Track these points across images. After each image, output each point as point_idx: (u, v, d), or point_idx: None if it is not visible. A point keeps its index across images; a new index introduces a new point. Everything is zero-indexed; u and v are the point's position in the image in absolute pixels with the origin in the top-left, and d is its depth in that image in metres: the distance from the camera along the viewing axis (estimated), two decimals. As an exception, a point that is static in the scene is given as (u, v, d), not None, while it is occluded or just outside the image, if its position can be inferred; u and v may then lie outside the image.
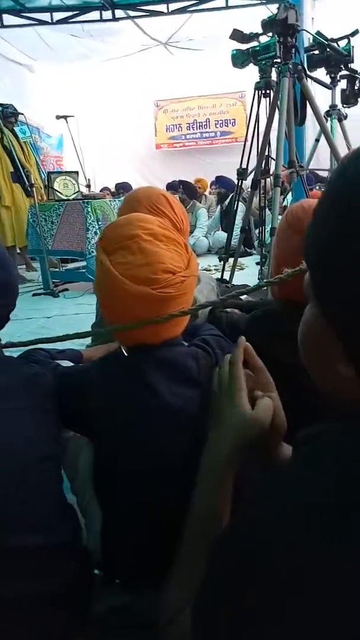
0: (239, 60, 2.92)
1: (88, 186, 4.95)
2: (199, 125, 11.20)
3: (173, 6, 6.32)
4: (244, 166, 3.25)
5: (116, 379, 0.88)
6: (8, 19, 6.40)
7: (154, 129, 11.17)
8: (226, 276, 3.33)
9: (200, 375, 0.88)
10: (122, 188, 6.94)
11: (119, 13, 6.40)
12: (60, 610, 0.79)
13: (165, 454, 0.82)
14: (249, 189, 3.58)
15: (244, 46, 2.88)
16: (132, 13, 6.61)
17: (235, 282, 3.26)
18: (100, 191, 6.36)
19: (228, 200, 6.09)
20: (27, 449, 0.77)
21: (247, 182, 3.49)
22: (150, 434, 0.82)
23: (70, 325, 3.26)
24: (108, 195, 5.92)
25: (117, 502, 0.89)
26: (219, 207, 6.49)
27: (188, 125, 11.27)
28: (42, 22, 6.47)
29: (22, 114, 4.30)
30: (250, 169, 3.17)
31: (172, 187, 6.89)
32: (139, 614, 0.86)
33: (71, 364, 1.12)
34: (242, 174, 3.27)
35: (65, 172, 4.30)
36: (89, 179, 5.06)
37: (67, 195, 4.18)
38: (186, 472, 0.74)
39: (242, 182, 3.35)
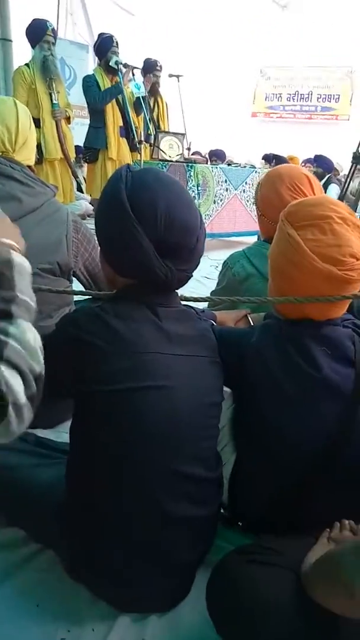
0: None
1: (188, 149, 4.95)
2: (300, 97, 10.75)
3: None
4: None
5: (278, 347, 0.95)
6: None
7: (252, 96, 10.84)
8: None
9: (356, 357, 0.93)
10: (216, 155, 6.83)
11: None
12: (202, 536, 0.91)
13: (321, 422, 0.89)
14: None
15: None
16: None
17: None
18: (192, 155, 6.32)
19: (324, 181, 5.88)
20: (205, 393, 0.87)
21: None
22: (312, 405, 0.89)
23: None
24: (201, 160, 5.88)
25: (257, 454, 0.98)
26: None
27: (289, 96, 10.85)
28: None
29: (139, 68, 4.33)
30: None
31: (267, 159, 6.76)
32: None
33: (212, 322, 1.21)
34: (358, 158, 3.17)
35: (173, 132, 4.33)
36: (190, 142, 5.06)
37: (170, 156, 4.23)
38: (331, 444, 0.85)
39: (355, 167, 3.26)
